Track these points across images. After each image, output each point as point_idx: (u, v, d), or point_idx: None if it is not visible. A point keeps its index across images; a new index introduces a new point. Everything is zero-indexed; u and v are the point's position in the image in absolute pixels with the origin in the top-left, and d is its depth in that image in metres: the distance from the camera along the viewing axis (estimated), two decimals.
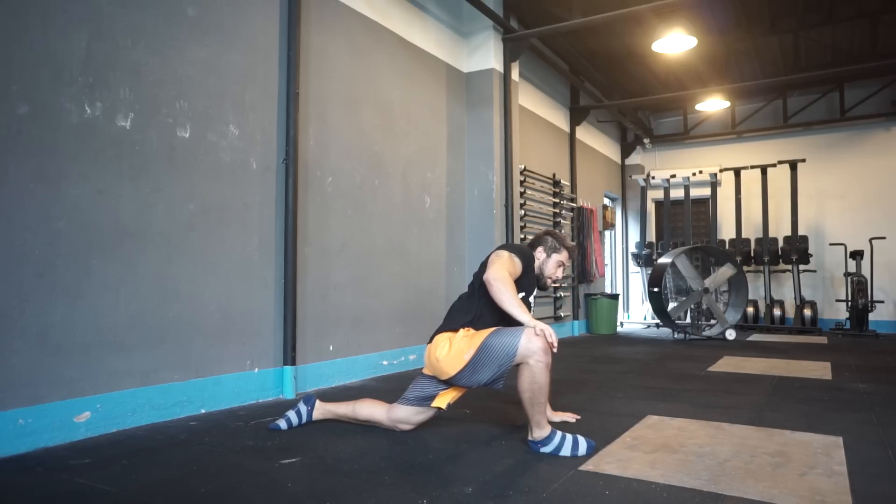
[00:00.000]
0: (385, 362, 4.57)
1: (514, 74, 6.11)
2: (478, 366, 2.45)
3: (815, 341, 7.12)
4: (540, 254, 2.80)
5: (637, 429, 2.81)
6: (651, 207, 10.59)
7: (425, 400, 2.67)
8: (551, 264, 2.81)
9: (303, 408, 2.83)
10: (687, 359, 5.49)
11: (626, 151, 10.39)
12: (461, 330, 2.59)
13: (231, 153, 3.40)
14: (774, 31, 7.27)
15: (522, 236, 6.37)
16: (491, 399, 3.52)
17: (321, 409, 2.86)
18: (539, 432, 2.42)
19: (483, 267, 2.64)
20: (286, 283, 3.66)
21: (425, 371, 2.70)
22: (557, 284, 3.38)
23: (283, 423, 2.78)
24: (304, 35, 3.93)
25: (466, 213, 5.78)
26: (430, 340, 2.67)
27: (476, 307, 2.63)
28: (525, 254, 2.70)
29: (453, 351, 2.51)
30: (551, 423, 2.61)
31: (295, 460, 2.31)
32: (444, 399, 2.66)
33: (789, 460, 2.31)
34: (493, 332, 2.48)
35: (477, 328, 2.59)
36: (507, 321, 2.63)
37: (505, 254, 2.60)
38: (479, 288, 2.63)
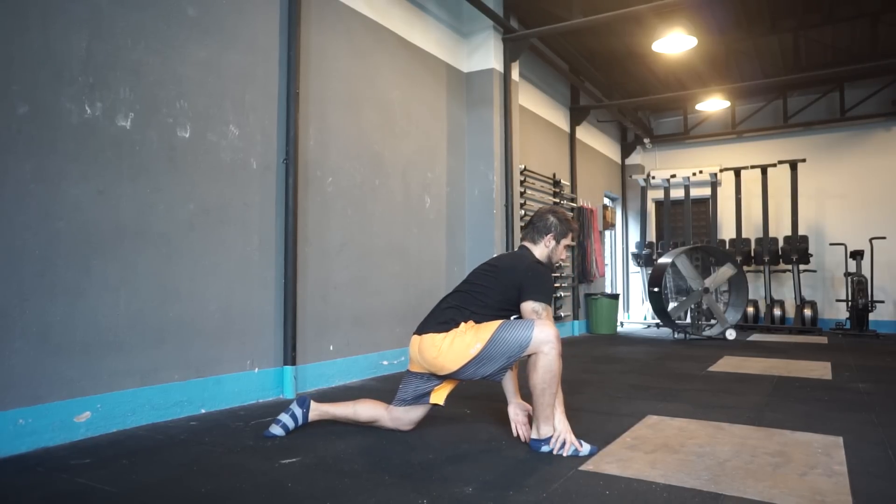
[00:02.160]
0: (385, 362, 4.57)
1: (515, 74, 6.11)
2: (485, 359, 2.44)
3: (815, 341, 7.12)
4: (550, 241, 2.73)
5: (637, 429, 2.81)
6: (651, 207, 10.58)
7: (421, 398, 2.67)
8: (560, 249, 2.78)
9: (297, 410, 2.72)
10: (687, 359, 5.49)
11: (626, 151, 10.39)
12: (462, 325, 2.54)
13: (231, 153, 3.40)
14: (774, 31, 7.27)
15: (522, 235, 6.36)
16: (491, 399, 3.51)
17: (317, 411, 2.77)
18: (545, 428, 2.42)
19: (506, 280, 2.58)
20: (286, 282, 3.66)
21: (414, 369, 2.66)
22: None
23: (278, 430, 2.66)
24: (305, 35, 3.93)
25: (467, 212, 5.78)
26: (420, 333, 2.60)
27: (479, 315, 2.57)
28: (549, 279, 2.63)
29: (456, 346, 2.47)
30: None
31: (295, 460, 2.31)
32: (440, 394, 2.66)
33: (789, 460, 2.31)
34: (501, 324, 2.47)
35: (478, 322, 2.57)
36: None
37: (544, 312, 2.51)
38: (495, 301, 2.58)
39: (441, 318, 2.58)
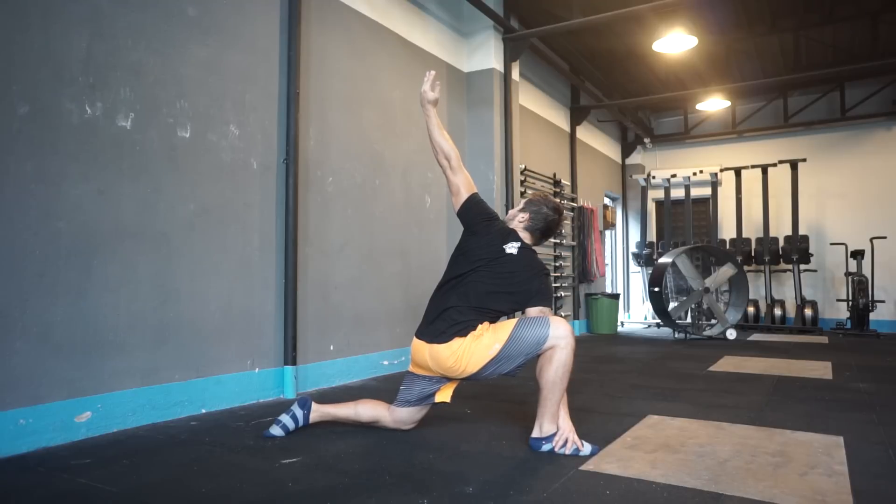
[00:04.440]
0: (385, 362, 4.57)
1: (515, 74, 6.11)
2: (504, 358, 2.44)
3: (815, 341, 7.12)
4: (532, 238, 2.74)
5: (637, 428, 2.81)
6: (651, 207, 10.58)
7: (427, 398, 2.65)
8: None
9: (298, 411, 2.70)
10: (687, 358, 5.49)
11: (626, 151, 10.38)
12: (478, 327, 2.52)
13: (231, 153, 3.40)
14: (775, 31, 7.26)
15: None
16: (491, 399, 3.52)
17: (318, 412, 2.74)
18: (548, 426, 2.42)
19: (525, 291, 2.56)
20: (287, 282, 3.66)
21: (419, 372, 2.62)
22: None
23: (278, 430, 2.65)
24: (305, 35, 3.93)
25: None
26: (429, 341, 2.52)
27: (493, 318, 2.58)
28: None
29: (474, 349, 2.46)
30: None
31: (295, 460, 2.31)
32: (446, 393, 2.64)
33: (790, 460, 2.31)
34: (518, 322, 2.46)
35: (492, 322, 2.57)
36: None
37: (549, 312, 2.55)
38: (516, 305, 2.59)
39: (456, 328, 2.49)
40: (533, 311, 2.54)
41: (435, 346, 2.51)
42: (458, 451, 2.44)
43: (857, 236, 8.63)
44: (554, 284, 7.18)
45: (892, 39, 7.37)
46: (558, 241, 7.46)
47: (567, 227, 7.78)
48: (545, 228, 2.72)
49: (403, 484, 2.04)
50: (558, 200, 2.84)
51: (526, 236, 2.70)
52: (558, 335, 2.40)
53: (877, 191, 8.84)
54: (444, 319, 2.53)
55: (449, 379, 2.62)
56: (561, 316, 7.40)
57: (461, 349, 2.47)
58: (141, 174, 2.93)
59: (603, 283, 9.08)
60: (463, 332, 2.49)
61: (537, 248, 2.80)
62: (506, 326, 2.48)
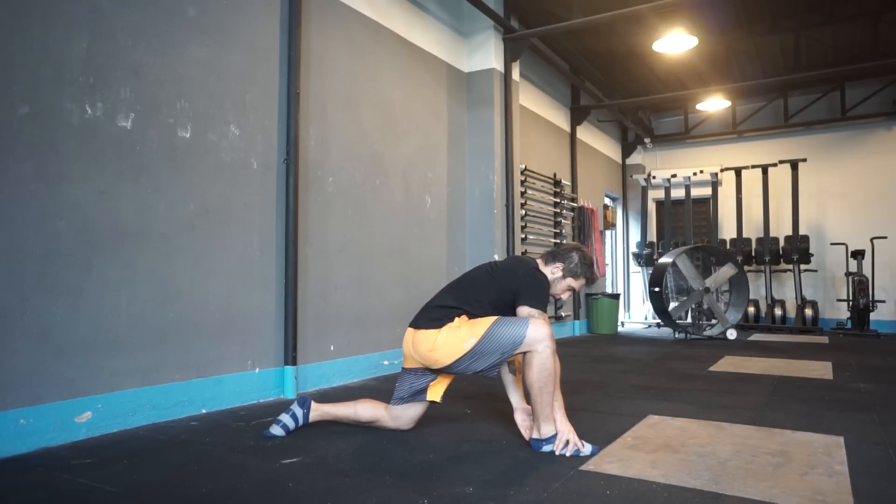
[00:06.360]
0: (386, 362, 4.57)
1: (515, 74, 6.11)
2: (479, 354, 2.44)
3: (816, 341, 7.12)
4: (556, 270, 2.67)
5: (638, 428, 2.81)
6: (652, 207, 10.58)
7: (418, 394, 2.67)
8: (562, 286, 2.71)
9: (298, 410, 2.71)
10: (688, 358, 5.49)
11: (626, 151, 10.38)
12: (455, 319, 2.54)
13: (232, 153, 3.40)
14: (775, 31, 7.26)
15: (523, 236, 6.36)
16: (492, 399, 3.51)
17: (318, 411, 2.76)
18: (546, 428, 2.42)
19: (503, 281, 2.58)
20: (287, 282, 3.66)
21: (409, 365, 2.67)
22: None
23: (278, 430, 2.65)
24: (305, 35, 3.93)
25: (467, 212, 5.78)
26: (414, 327, 2.61)
27: (473, 310, 2.57)
28: (545, 287, 2.61)
29: (450, 340, 2.48)
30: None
31: (296, 460, 2.31)
32: (436, 391, 2.67)
33: (790, 460, 2.31)
34: (496, 320, 2.47)
35: (472, 317, 2.57)
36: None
37: (539, 317, 2.47)
38: (494, 302, 2.57)
39: (436, 314, 2.59)
40: (521, 313, 2.51)
41: (417, 332, 2.59)
42: (459, 451, 2.44)
43: (858, 236, 8.64)
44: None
45: (892, 39, 7.37)
46: (559, 241, 7.46)
47: (567, 227, 7.78)
48: (557, 250, 2.76)
49: (404, 484, 2.04)
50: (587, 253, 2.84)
51: (540, 262, 2.73)
52: (535, 338, 2.37)
53: (877, 191, 8.84)
54: (428, 309, 2.66)
55: (433, 372, 2.64)
56: (561, 316, 7.42)
57: (438, 338, 2.51)
58: (141, 174, 2.93)
59: (603, 283, 9.08)
60: (439, 323, 2.54)
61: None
62: (484, 322, 2.49)
